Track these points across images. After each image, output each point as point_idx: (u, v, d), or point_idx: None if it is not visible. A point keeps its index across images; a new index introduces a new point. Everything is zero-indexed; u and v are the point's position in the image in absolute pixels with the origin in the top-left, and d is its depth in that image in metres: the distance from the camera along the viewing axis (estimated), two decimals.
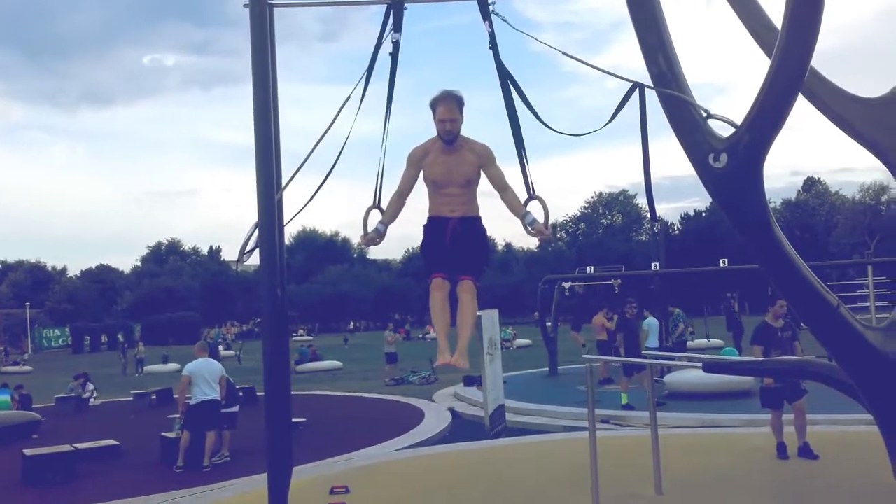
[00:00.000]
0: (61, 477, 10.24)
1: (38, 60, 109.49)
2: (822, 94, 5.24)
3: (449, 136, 4.55)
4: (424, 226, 4.74)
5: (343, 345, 44.37)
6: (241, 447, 11.29)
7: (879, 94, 5.08)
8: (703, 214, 68.95)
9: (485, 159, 4.62)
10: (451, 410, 15.20)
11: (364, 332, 63.95)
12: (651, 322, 17.72)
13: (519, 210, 4.57)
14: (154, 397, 19.07)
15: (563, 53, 4.86)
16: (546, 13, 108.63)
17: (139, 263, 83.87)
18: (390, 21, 4.77)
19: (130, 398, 19.78)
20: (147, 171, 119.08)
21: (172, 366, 31.10)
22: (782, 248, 4.23)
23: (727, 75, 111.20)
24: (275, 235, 4.81)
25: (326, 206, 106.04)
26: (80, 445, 11.67)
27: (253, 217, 4.78)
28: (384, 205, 4.71)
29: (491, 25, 4.70)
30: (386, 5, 4.80)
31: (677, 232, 68.93)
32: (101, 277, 78.04)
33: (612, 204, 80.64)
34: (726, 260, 20.76)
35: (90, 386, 20.43)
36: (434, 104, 4.57)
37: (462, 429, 13.42)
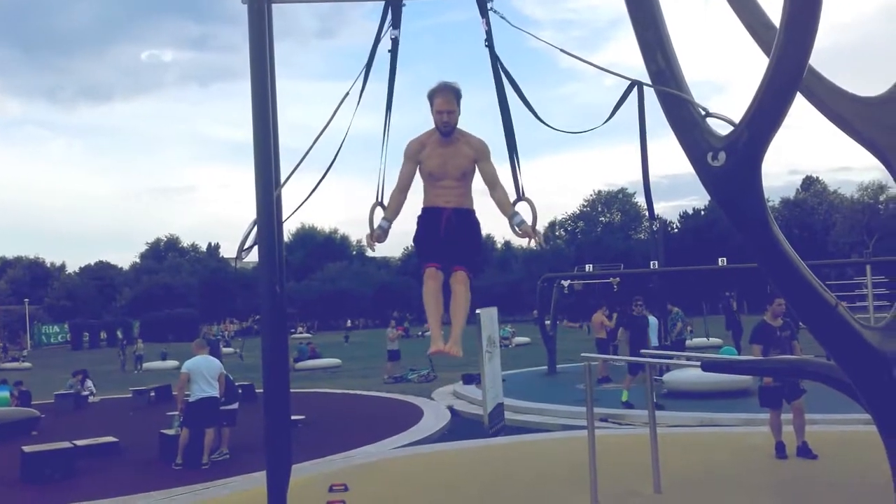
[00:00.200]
0: (60, 474, 10.24)
1: (36, 56, 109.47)
2: (821, 93, 5.23)
3: (446, 127, 4.58)
4: (418, 216, 4.76)
5: (343, 342, 44.39)
6: (240, 444, 11.29)
7: (878, 92, 5.07)
8: (702, 213, 68.93)
9: (480, 153, 4.65)
10: (450, 408, 15.21)
11: (363, 330, 63.95)
12: (650, 321, 17.71)
13: (507, 210, 4.61)
14: (153, 394, 19.06)
15: (562, 51, 4.86)
16: (544, 10, 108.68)
17: (138, 260, 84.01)
18: (388, 17, 4.78)
19: (129, 395, 19.77)
20: (145, 168, 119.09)
21: (171, 363, 31.10)
22: (781, 247, 4.23)
23: (726, 73, 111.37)
24: (273, 232, 4.82)
25: (325, 203, 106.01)
26: (79, 442, 11.67)
27: (251, 214, 4.79)
28: (386, 202, 4.72)
29: (488, 23, 4.70)
30: (384, 2, 4.80)
31: (676, 230, 68.91)
32: (100, 274, 78.12)
33: (611, 202, 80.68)
34: (725, 259, 20.77)
35: (89, 383, 20.45)
36: (431, 95, 4.59)
37: (461, 427, 13.43)
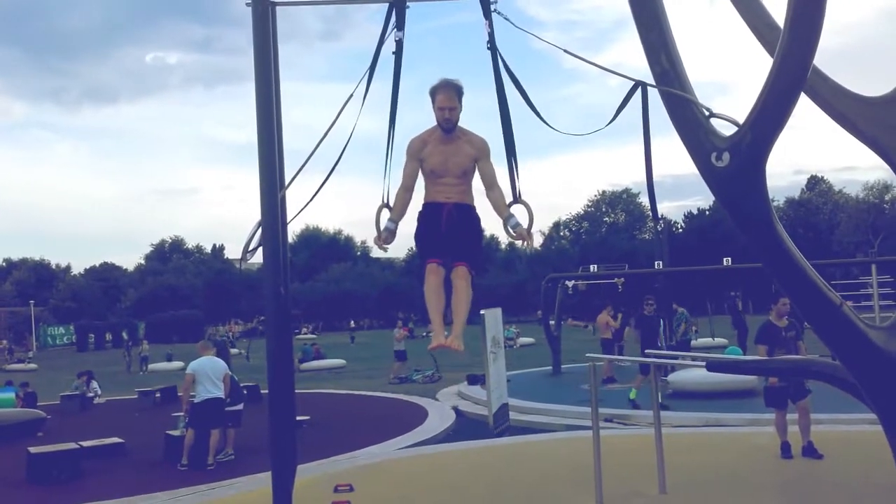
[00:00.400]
0: (66, 475, 10.27)
1: (41, 58, 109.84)
2: (825, 93, 5.22)
3: (448, 124, 4.58)
4: (419, 212, 4.75)
5: (349, 343, 44.41)
6: (245, 445, 11.31)
7: (882, 92, 5.06)
8: (706, 213, 68.84)
9: (481, 152, 4.65)
10: (455, 409, 15.20)
11: (367, 331, 63.97)
12: None
13: (503, 211, 4.61)
14: (158, 395, 19.11)
15: (566, 52, 4.85)
16: (548, 11, 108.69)
17: (143, 261, 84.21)
18: (392, 19, 4.78)
19: (135, 396, 19.83)
20: (150, 169, 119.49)
21: (176, 364, 31.14)
22: (785, 247, 4.23)
23: (730, 74, 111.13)
24: (278, 233, 4.82)
25: (329, 204, 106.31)
26: (84, 443, 11.68)
27: (256, 215, 4.79)
28: (392, 202, 4.73)
29: (491, 25, 4.70)
30: (388, 4, 4.80)
31: (680, 230, 68.82)
32: (105, 275, 78.30)
33: (615, 202, 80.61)
34: (730, 259, 20.74)
35: (94, 384, 20.49)
36: (433, 92, 4.60)
37: (465, 427, 13.42)
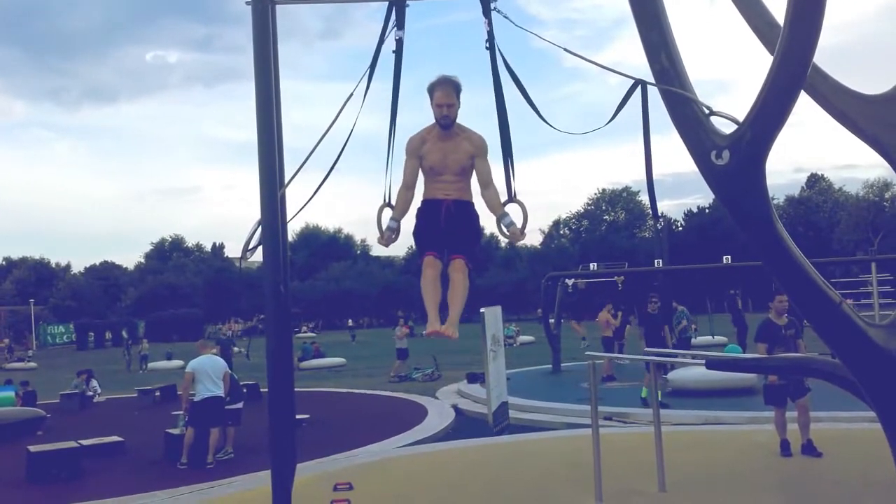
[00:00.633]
0: (66, 473, 10.27)
1: (40, 57, 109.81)
2: (825, 91, 5.22)
3: (445, 120, 4.59)
4: (418, 209, 4.76)
5: (350, 341, 44.40)
6: (244, 444, 11.32)
7: (882, 90, 5.06)
8: (706, 211, 68.77)
9: (478, 150, 4.66)
10: (455, 407, 15.20)
11: (367, 329, 63.97)
12: None
13: (497, 210, 4.63)
14: (158, 394, 19.10)
15: (566, 50, 4.85)
16: (548, 10, 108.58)
17: (143, 260, 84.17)
18: (392, 18, 4.78)
19: (134, 395, 19.85)
20: (150, 168, 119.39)
21: (176, 362, 31.14)
22: (785, 245, 4.23)
23: (730, 72, 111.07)
24: (278, 232, 4.82)
25: (329, 203, 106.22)
26: (84, 442, 11.69)
27: (256, 214, 4.79)
28: (394, 201, 4.73)
29: (490, 24, 4.69)
30: (388, 2, 4.80)
31: (680, 229, 68.82)
32: (105, 274, 78.31)
33: (615, 200, 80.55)
34: (730, 257, 20.73)
35: (94, 382, 20.49)
36: (431, 89, 4.60)
37: (465, 426, 13.43)
